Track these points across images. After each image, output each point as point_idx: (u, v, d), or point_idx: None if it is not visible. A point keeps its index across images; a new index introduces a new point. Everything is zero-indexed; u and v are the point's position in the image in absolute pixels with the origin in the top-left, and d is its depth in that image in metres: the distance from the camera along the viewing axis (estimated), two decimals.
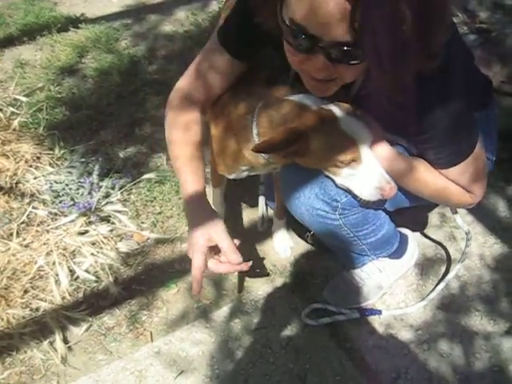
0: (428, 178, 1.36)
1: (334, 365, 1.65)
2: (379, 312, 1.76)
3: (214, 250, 1.28)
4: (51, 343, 1.67)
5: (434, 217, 2.04)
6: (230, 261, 1.25)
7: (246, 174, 1.58)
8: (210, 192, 1.89)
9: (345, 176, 1.33)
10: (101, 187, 1.98)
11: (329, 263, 1.89)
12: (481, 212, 2.04)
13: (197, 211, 1.32)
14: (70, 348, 1.68)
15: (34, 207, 1.95)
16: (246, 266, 1.26)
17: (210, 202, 1.91)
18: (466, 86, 1.20)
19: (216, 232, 1.25)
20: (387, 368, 1.65)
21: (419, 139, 1.31)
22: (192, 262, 1.26)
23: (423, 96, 1.10)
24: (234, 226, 2.01)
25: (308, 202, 1.47)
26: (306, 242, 1.92)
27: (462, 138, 1.28)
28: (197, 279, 1.26)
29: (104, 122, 2.40)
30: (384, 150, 1.32)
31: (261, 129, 1.34)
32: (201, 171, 1.37)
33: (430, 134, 1.25)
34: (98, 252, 1.85)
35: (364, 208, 1.47)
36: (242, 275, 1.84)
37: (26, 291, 1.76)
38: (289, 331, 1.72)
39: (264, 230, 2.03)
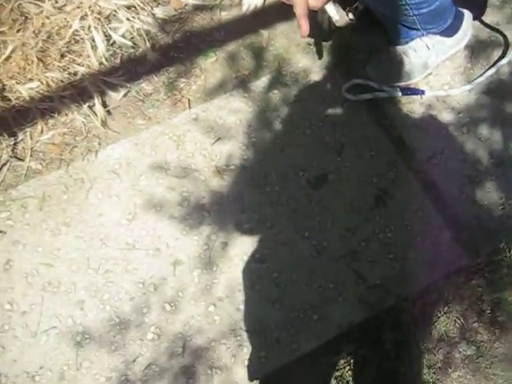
0: None
1: (371, 140, 1.65)
2: (422, 92, 1.70)
3: None
4: (91, 107, 1.69)
5: None
6: None
7: None
8: None
9: None
10: None
11: (375, 39, 1.78)
12: None
13: None
14: (109, 112, 1.70)
15: None
16: None
17: None
18: None
19: None
20: (423, 147, 1.65)
21: None
22: None
23: None
24: None
25: None
26: (350, 13, 1.80)
27: None
28: (303, 15, 1.08)
29: None
30: None
31: None
32: None
33: None
34: (133, 17, 1.77)
35: None
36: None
37: (62, 55, 1.73)
38: (327, 105, 1.70)
39: None
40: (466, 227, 1.57)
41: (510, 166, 1.64)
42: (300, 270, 1.51)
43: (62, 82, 1.70)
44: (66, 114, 1.69)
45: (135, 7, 1.78)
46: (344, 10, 1.77)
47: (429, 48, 1.66)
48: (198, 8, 1.84)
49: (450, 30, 1.65)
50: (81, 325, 1.44)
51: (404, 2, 1.45)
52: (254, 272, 1.51)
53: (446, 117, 1.70)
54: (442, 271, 1.54)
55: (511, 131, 1.68)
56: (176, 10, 1.83)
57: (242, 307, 1.48)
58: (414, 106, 1.71)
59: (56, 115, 1.69)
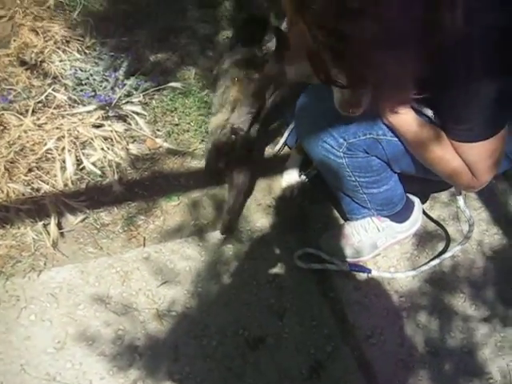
0: (434, 144, 1.32)
1: (314, 310, 1.68)
2: (368, 270, 1.77)
3: None
4: (45, 226, 1.68)
5: (443, 194, 2.02)
6: None
7: None
8: None
9: None
10: (125, 85, 1.93)
11: (332, 212, 1.90)
12: (490, 200, 2.03)
13: None
14: (62, 234, 1.70)
15: (54, 89, 1.91)
16: None
17: None
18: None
19: None
20: (363, 325, 1.68)
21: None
22: None
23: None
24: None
25: (318, 133, 1.49)
26: (306, 177, 1.93)
27: (487, 118, 1.23)
28: None
29: (140, 22, 2.30)
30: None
31: None
32: None
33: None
34: (108, 148, 1.83)
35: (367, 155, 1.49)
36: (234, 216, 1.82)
37: (30, 170, 1.75)
38: (277, 268, 1.74)
39: (279, 152, 2.02)
40: None
41: (444, 356, 1.67)
42: None
43: (23, 195, 1.70)
44: (19, 228, 1.68)
45: (112, 139, 1.85)
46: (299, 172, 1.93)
47: (379, 230, 1.76)
48: (171, 152, 1.93)
49: (400, 217, 1.76)
50: None
51: (354, 179, 1.56)
52: None
53: (388, 298, 1.75)
54: None
55: (447, 323, 1.73)
56: (150, 150, 1.91)
57: None
58: (360, 283, 1.76)
59: (8, 226, 1.67)
